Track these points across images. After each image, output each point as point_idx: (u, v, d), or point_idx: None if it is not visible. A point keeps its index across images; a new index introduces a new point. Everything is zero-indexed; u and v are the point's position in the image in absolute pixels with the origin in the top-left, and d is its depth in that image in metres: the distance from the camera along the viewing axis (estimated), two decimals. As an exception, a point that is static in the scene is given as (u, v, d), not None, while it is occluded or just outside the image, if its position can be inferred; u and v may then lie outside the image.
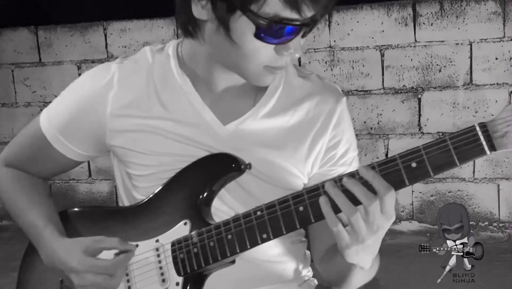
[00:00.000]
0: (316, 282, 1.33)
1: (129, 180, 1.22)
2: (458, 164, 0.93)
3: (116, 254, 1.13)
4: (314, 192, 1.01)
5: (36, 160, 1.28)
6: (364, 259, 1.04)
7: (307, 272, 1.32)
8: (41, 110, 1.28)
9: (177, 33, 4.21)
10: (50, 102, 1.28)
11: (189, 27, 1.12)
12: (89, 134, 1.21)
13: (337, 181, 0.99)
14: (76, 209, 1.29)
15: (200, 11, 1.06)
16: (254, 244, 1.05)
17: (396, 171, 0.96)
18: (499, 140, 0.90)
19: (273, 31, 1.01)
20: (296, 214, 1.02)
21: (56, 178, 4.44)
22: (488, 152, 0.91)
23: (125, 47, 4.30)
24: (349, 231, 0.98)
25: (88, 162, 4.44)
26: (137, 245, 1.14)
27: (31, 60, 4.49)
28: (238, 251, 1.06)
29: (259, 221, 1.04)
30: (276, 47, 1.05)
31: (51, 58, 4.45)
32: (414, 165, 0.95)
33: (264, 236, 1.04)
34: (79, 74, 4.42)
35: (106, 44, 4.35)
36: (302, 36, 1.06)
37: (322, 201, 0.98)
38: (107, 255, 1.13)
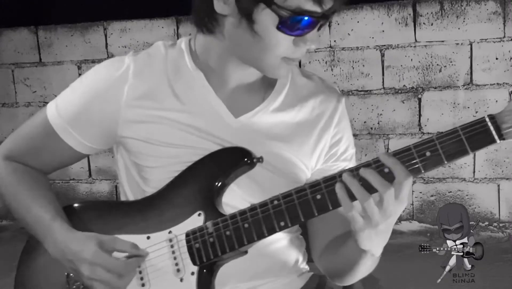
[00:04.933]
0: (311, 273, 1.36)
1: (138, 172, 1.23)
2: (470, 152, 0.99)
3: (127, 257, 1.14)
4: (331, 180, 1.05)
5: (39, 153, 1.27)
6: (376, 244, 1.08)
7: (305, 265, 1.36)
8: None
9: (177, 33, 4.21)
10: (51, 101, 1.27)
11: (207, 23, 1.15)
12: (100, 125, 1.22)
13: (354, 170, 1.03)
14: (83, 203, 1.29)
15: (222, 6, 1.10)
16: (272, 231, 1.08)
17: (412, 160, 1.00)
18: (507, 130, 0.98)
19: (294, 23, 1.06)
20: (314, 202, 1.05)
21: (56, 178, 4.44)
22: (498, 141, 0.98)
23: (125, 47, 4.30)
24: (363, 216, 1.02)
25: (88, 162, 4.44)
26: (148, 237, 1.16)
27: (31, 60, 4.49)
28: (255, 239, 1.09)
29: (276, 209, 1.07)
30: (294, 39, 1.09)
31: (51, 58, 4.45)
32: (428, 154, 1.00)
33: (282, 223, 1.07)
34: (79, 74, 4.43)
35: (106, 44, 4.35)
36: (318, 29, 1.11)
37: (338, 186, 1.02)
38: (118, 255, 1.14)
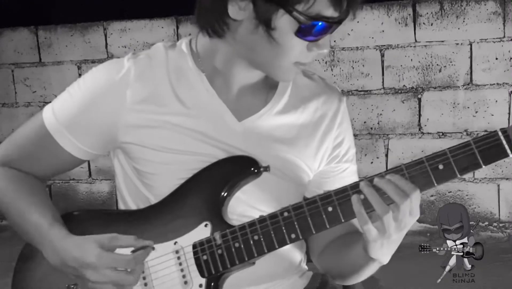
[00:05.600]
0: (311, 273, 1.37)
1: (139, 178, 1.21)
2: (483, 165, 1.00)
3: (133, 252, 1.11)
4: (342, 192, 1.05)
5: (36, 159, 1.23)
6: (386, 254, 1.09)
7: (305, 265, 1.36)
8: (41, 110, 1.24)
9: (177, 33, 4.21)
10: (51, 102, 1.24)
11: (216, 27, 1.13)
12: (99, 130, 1.18)
13: (369, 181, 1.03)
14: (83, 211, 1.26)
15: (237, 11, 1.08)
16: (282, 243, 1.08)
17: (424, 173, 1.01)
18: None
19: (312, 29, 1.06)
20: (325, 214, 1.05)
21: (56, 177, 4.43)
22: (510, 155, 0.99)
23: (125, 47, 4.30)
24: (378, 227, 1.02)
25: (88, 161, 4.43)
26: (153, 248, 1.13)
27: (31, 60, 4.49)
28: (266, 251, 1.08)
29: (287, 221, 1.07)
30: (308, 44, 1.09)
31: (51, 58, 4.45)
32: (441, 167, 1.01)
33: (293, 236, 1.07)
34: (79, 74, 4.43)
35: (106, 44, 4.34)
36: (330, 33, 1.11)
37: (354, 199, 1.02)
38: (122, 251, 1.11)
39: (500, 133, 0.99)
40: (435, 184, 1.02)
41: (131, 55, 1.21)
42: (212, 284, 1.11)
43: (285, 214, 1.07)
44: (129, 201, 1.26)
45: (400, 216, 1.01)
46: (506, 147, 0.99)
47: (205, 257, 1.10)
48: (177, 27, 4.21)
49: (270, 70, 1.15)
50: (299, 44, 1.08)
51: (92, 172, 4.48)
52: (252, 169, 1.13)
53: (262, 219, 1.08)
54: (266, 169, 1.14)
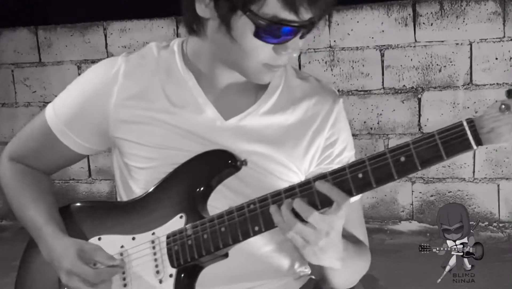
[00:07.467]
0: (313, 277, 1.35)
1: (128, 171, 1.24)
2: (445, 158, 0.93)
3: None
4: (306, 185, 1.03)
5: (40, 154, 1.30)
6: (325, 259, 1.05)
7: (304, 268, 1.33)
8: (41, 110, 1.31)
9: (177, 33, 4.21)
10: (50, 102, 1.30)
11: (193, 25, 1.16)
12: (93, 126, 1.24)
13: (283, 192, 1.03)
14: (76, 204, 1.32)
15: (203, 9, 1.09)
16: (246, 236, 1.07)
17: (386, 165, 0.97)
18: (485, 135, 0.91)
19: (271, 31, 1.05)
20: None
21: (56, 178, 4.43)
22: (474, 147, 0.92)
23: (125, 47, 4.30)
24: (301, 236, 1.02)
25: (88, 162, 4.44)
26: (133, 238, 1.17)
27: (31, 60, 4.49)
28: (231, 243, 1.08)
29: (252, 213, 1.06)
30: (274, 46, 1.08)
31: (51, 58, 4.45)
32: (403, 159, 0.96)
33: (256, 228, 1.06)
34: (79, 74, 4.42)
35: (106, 44, 4.35)
36: (301, 37, 1.09)
37: (273, 210, 1.03)
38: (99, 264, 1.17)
39: (465, 123, 0.91)
40: (395, 177, 0.96)
41: (126, 53, 1.25)
42: (183, 275, 1.12)
43: (251, 206, 1.06)
44: (123, 196, 1.29)
45: (318, 226, 1.00)
46: (471, 138, 0.91)
47: (176, 248, 1.12)
48: (177, 27, 4.21)
49: (240, 71, 1.15)
50: (262, 46, 1.07)
51: (92, 172, 4.48)
52: (230, 162, 1.13)
53: (229, 211, 1.08)
54: (243, 162, 1.13)
